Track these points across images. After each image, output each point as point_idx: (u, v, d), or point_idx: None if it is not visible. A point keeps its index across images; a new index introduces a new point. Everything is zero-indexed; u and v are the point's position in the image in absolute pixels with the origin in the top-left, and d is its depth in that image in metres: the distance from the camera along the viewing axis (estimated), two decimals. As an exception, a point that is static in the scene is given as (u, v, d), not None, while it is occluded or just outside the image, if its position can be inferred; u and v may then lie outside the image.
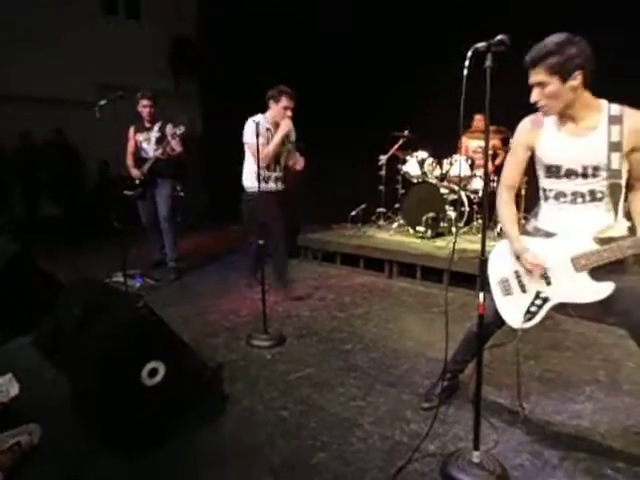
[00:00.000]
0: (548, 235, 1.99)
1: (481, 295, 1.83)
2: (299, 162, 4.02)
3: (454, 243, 2.14)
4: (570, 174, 1.88)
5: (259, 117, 3.68)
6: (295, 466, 1.98)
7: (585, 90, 1.80)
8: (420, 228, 4.99)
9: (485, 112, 1.69)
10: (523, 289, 2.03)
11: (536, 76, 1.78)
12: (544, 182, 1.99)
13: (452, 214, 4.92)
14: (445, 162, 5.27)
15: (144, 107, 4.45)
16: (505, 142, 5.19)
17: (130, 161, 4.60)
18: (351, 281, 4.41)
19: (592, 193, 1.87)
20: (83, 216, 7.10)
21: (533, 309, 2.01)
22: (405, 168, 5.39)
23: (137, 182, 4.53)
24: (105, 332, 2.16)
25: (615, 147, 1.78)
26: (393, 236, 5.17)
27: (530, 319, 2.02)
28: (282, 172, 3.94)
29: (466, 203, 4.97)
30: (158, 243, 4.81)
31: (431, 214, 4.91)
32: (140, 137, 4.55)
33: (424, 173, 5.29)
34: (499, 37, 1.62)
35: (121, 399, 2.01)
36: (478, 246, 1.93)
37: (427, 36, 5.53)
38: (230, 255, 5.57)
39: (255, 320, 3.42)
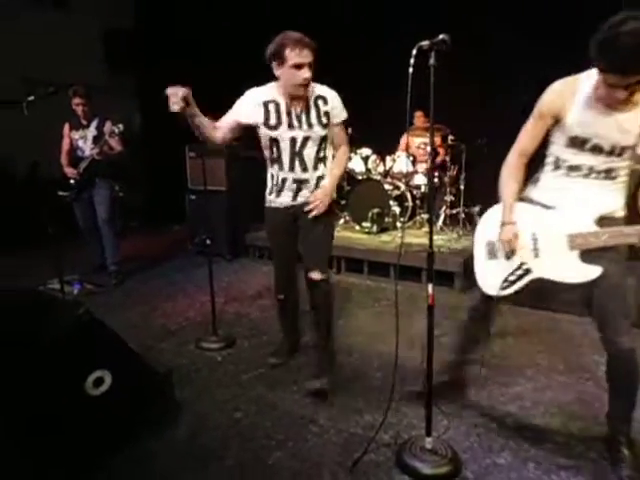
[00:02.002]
0: (546, 207, 1.88)
1: (430, 287, 1.88)
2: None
3: (402, 238, 2.19)
4: (595, 149, 1.72)
5: (262, 89, 2.45)
6: (251, 467, 1.95)
7: None
8: (366, 224, 5.08)
9: (426, 109, 1.74)
10: (508, 256, 1.95)
11: (630, 79, 1.53)
12: (560, 151, 1.82)
13: (396, 209, 5.04)
14: (388, 159, 5.40)
15: (77, 105, 4.21)
16: (444, 139, 5.38)
17: (64, 160, 4.35)
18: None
19: (608, 171, 1.75)
20: (12, 220, 6.61)
21: (512, 278, 1.94)
22: (350, 165, 5.46)
23: (72, 182, 4.29)
24: (43, 342, 2.03)
25: None
26: (340, 232, 5.22)
27: (506, 288, 1.95)
28: (316, 172, 2.49)
29: (409, 198, 5.11)
30: (98, 246, 4.58)
31: (376, 210, 5.01)
32: (76, 135, 4.31)
33: (368, 170, 5.39)
34: (441, 36, 1.66)
35: (64, 412, 1.90)
36: (422, 240, 1.97)
37: (370, 33, 5.61)
38: (174, 257, 5.40)
39: (204, 322, 3.34)
